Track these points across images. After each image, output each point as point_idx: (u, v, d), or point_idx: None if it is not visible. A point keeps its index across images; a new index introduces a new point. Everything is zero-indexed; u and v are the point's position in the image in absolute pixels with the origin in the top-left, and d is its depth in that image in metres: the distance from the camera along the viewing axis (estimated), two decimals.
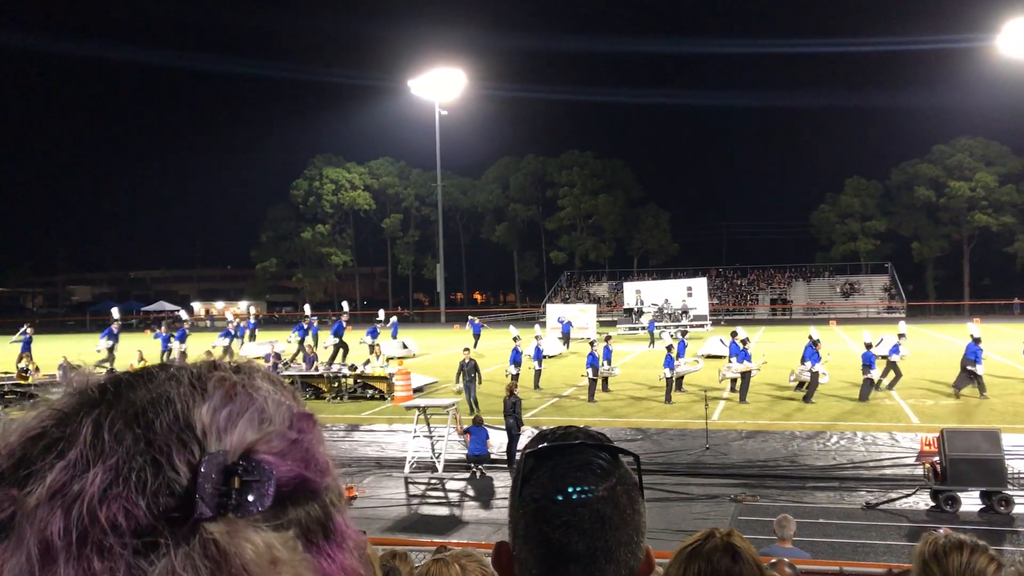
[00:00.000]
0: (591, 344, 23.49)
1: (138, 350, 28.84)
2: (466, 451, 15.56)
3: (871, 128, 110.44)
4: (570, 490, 1.10)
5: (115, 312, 36.24)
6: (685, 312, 46.66)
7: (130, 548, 0.45)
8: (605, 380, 23.40)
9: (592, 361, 22.42)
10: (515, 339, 24.66)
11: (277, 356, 26.85)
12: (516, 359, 23.27)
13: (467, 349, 22.74)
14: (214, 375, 0.55)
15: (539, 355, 25.44)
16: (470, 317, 36.40)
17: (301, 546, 0.51)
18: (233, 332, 35.24)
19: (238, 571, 0.46)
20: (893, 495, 12.93)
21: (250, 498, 0.48)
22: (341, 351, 28.35)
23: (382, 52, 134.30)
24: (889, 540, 11.00)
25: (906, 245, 75.18)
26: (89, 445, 0.48)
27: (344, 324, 28.95)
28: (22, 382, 24.60)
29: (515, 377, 21.37)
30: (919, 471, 13.30)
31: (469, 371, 21.53)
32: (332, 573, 0.53)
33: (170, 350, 32.06)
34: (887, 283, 71.32)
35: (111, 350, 30.28)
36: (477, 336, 39.42)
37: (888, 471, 14.50)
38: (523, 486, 1.13)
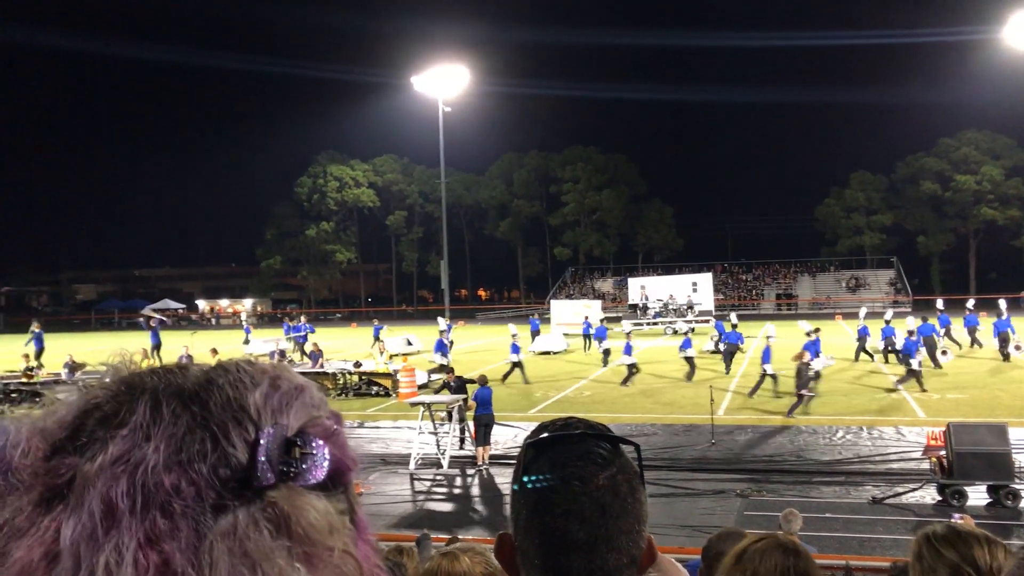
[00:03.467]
0: (627, 335, 25.57)
1: (143, 348, 28.84)
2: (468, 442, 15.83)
3: (876, 122, 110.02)
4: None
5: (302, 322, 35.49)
6: (690, 307, 46.62)
7: (193, 509, 0.48)
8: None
9: (628, 350, 24.02)
10: (627, 334, 26.35)
11: (282, 354, 26.87)
12: (628, 351, 24.88)
13: (450, 370, 18.33)
14: (256, 367, 0.58)
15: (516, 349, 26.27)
16: (446, 322, 33.08)
17: (348, 521, 0.54)
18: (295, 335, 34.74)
19: (298, 532, 0.48)
20: (899, 489, 12.89)
21: (307, 469, 0.52)
22: (519, 369, 25.51)
23: (385, 49, 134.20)
24: (896, 535, 10.97)
25: (912, 239, 75.10)
26: (148, 418, 0.51)
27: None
28: (27, 381, 24.60)
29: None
30: (925, 465, 13.25)
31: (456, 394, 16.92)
32: (361, 557, 0.55)
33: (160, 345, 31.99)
34: (893, 277, 71.16)
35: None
36: (531, 338, 36.27)
37: (894, 465, 14.46)
38: (524, 474, 1.13)
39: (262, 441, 0.51)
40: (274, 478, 0.50)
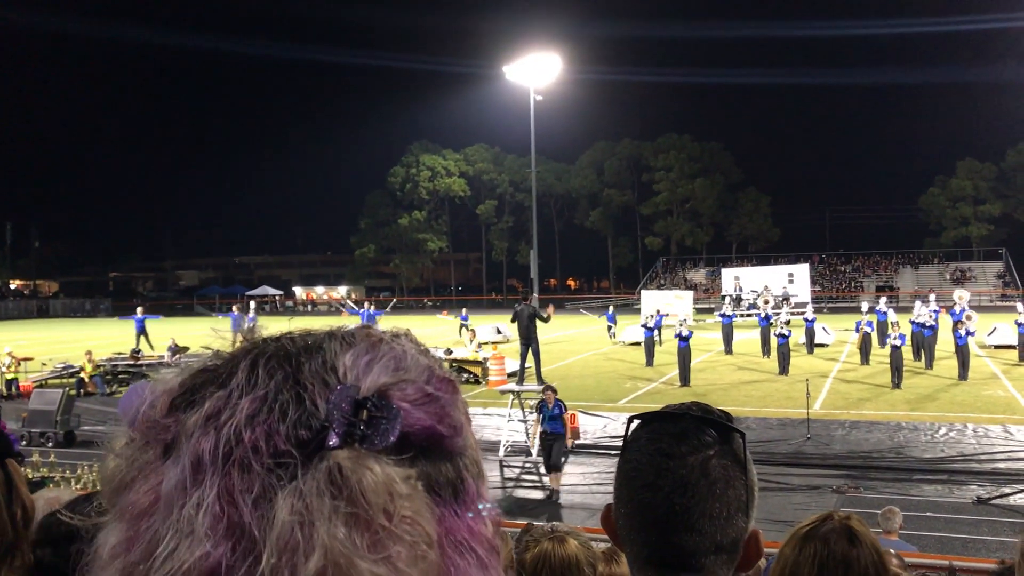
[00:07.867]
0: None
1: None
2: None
3: (983, 108, 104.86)
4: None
5: None
6: (786, 299, 45.54)
7: (265, 467, 0.49)
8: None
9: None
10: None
11: None
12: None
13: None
14: (363, 331, 0.60)
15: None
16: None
17: (423, 488, 0.52)
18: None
19: (356, 495, 0.48)
20: (1007, 490, 12.36)
21: (375, 432, 0.51)
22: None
23: (478, 39, 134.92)
24: (1002, 536, 10.53)
25: (1023, 230, 71.86)
26: (244, 378, 0.54)
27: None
28: (133, 362, 25.71)
29: None
30: None
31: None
32: (455, 527, 0.54)
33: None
34: (1001, 270, 68.17)
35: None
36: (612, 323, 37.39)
37: (1001, 465, 13.89)
38: (624, 449, 1.18)
39: (332, 399, 0.52)
40: (338, 440, 0.50)
